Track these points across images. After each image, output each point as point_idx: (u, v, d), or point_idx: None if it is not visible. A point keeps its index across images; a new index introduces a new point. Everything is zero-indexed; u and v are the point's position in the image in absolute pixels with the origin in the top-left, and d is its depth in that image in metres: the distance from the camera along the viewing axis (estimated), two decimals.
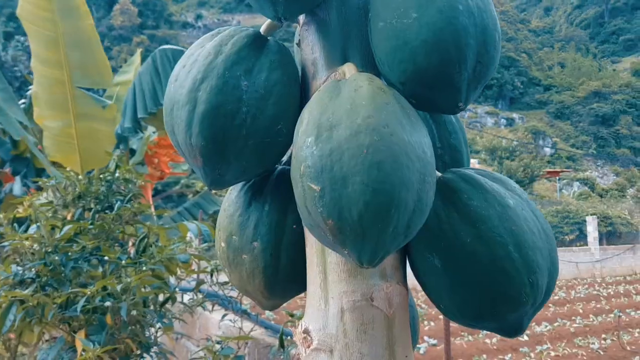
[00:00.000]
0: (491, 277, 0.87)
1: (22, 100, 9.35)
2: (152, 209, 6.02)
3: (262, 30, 1.03)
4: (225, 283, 3.10)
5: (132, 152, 8.20)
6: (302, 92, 1.01)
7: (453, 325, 9.43)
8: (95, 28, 7.55)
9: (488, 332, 9.02)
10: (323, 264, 0.94)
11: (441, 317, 10.98)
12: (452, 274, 0.89)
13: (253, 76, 0.93)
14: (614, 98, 66.79)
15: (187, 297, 3.48)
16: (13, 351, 2.89)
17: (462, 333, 10.09)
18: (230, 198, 1.08)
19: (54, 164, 7.55)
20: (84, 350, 2.24)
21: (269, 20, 1.03)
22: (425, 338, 9.36)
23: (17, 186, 9.16)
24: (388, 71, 0.90)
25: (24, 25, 7.13)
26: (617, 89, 68.52)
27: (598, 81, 70.21)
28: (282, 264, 1.03)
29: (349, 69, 0.93)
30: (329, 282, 0.93)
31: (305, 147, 0.79)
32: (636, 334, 10.46)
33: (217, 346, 2.85)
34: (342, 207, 0.74)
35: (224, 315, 3.24)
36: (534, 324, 10.71)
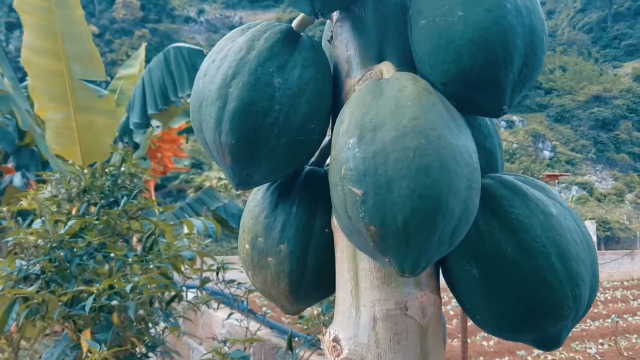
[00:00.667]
0: (533, 289, 0.83)
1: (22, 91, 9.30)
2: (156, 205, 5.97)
3: (294, 25, 1.00)
4: (231, 281, 3.06)
5: (136, 146, 8.15)
6: (334, 90, 0.98)
7: (455, 327, 9.41)
8: (85, 19, 7.47)
9: (486, 334, 9.00)
10: (355, 270, 0.90)
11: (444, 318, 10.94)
12: (491, 284, 0.85)
13: (286, 73, 0.89)
14: (614, 103, 66.79)
15: (191, 295, 3.44)
16: (15, 346, 2.85)
17: (460, 335, 10.06)
18: (256, 199, 1.05)
19: (56, 156, 7.51)
20: (89, 351, 2.19)
21: (301, 15, 0.99)
22: None
23: (17, 178, 9.11)
24: (429, 71, 0.86)
25: (21, 17, 7.06)
26: (618, 93, 68.50)
27: (599, 85, 70.14)
28: (308, 268, 0.99)
29: (386, 67, 0.89)
30: (361, 289, 0.89)
31: (347, 149, 0.75)
32: (633, 340, 10.44)
33: (225, 348, 2.80)
34: (386, 213, 0.71)
35: (230, 314, 3.20)
36: None
